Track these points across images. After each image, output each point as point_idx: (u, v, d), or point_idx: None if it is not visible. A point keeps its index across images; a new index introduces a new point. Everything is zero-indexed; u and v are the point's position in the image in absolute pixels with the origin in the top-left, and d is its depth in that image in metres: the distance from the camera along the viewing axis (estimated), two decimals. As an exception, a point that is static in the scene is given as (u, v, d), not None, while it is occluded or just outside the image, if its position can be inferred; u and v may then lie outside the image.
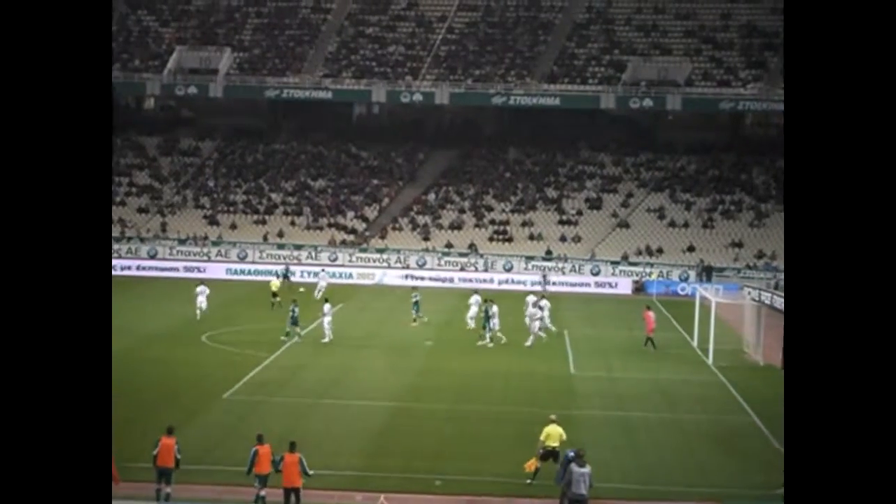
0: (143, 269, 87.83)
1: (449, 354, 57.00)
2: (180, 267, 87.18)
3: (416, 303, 66.47)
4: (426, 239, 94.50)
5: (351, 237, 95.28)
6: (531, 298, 63.63)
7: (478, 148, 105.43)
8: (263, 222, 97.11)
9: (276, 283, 73.61)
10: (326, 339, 58.82)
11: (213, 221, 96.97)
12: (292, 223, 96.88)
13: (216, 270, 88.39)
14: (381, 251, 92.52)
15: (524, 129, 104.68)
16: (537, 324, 60.17)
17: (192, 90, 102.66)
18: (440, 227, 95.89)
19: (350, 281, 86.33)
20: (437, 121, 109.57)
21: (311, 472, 30.66)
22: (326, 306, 60.43)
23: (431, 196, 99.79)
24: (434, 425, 41.79)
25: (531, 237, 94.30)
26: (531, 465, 34.05)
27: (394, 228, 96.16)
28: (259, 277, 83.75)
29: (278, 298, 70.30)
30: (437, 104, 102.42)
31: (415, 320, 65.55)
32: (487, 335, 59.40)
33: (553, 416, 36.07)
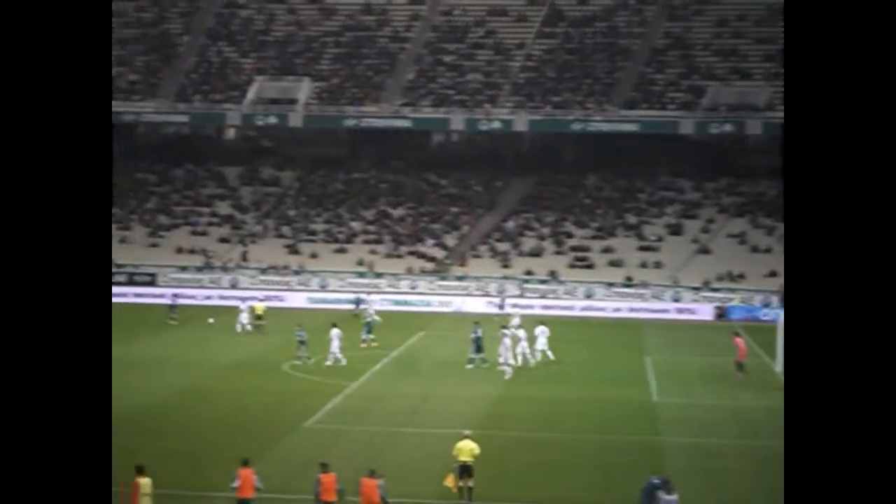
0: (225, 298, 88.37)
1: (527, 382, 56.77)
2: (261, 296, 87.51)
3: (477, 339, 60.81)
4: (506, 266, 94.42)
5: (430, 265, 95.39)
6: (541, 329, 62.64)
7: (557, 174, 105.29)
8: (344, 251, 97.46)
9: (260, 306, 74.79)
10: (330, 363, 59.41)
11: (294, 251, 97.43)
12: (372, 252, 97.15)
13: (297, 299, 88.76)
14: (460, 279, 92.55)
15: (603, 155, 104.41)
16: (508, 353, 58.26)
17: (272, 120, 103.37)
18: (520, 253, 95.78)
19: (429, 309, 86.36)
20: (516, 148, 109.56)
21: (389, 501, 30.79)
22: (334, 331, 60.54)
23: (511, 223, 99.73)
24: (514, 453, 41.69)
25: (611, 263, 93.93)
26: (451, 482, 33.89)
27: (473, 256, 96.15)
28: (340, 306, 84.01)
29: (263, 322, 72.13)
30: (515, 131, 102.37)
31: (471, 361, 60.42)
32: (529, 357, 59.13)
33: (467, 432, 36.14)
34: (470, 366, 59.08)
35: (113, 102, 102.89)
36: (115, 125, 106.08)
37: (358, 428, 45.15)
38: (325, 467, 31.52)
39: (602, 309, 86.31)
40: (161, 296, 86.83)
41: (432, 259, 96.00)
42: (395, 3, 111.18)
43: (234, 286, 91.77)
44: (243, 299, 77.01)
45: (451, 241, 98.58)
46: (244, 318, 72.28)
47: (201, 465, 38.22)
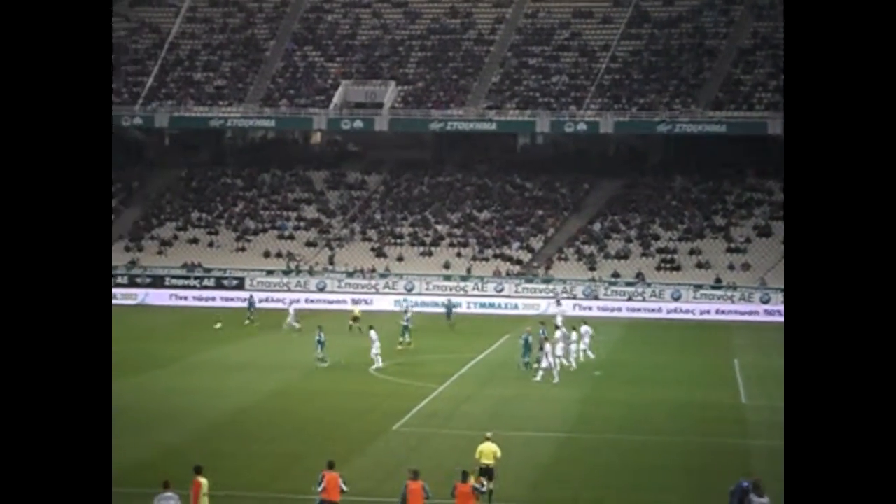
0: (312, 301, 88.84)
1: (614, 385, 56.55)
2: (348, 299, 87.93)
3: (527, 342, 59.65)
4: (592, 269, 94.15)
5: (516, 268, 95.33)
6: (586, 329, 62.46)
7: (643, 176, 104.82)
8: (430, 254, 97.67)
9: (357, 309, 76.96)
10: (376, 366, 59.45)
11: (380, 254, 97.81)
12: (458, 255, 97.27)
13: (384, 302, 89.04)
14: (546, 281, 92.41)
15: (690, 157, 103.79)
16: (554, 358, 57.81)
17: (358, 124, 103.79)
18: (606, 256, 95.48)
19: (515, 312, 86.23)
20: (602, 150, 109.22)
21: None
22: (373, 333, 60.61)
23: (597, 226, 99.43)
24: (601, 456, 41.55)
25: (699, 265, 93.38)
26: (475, 482, 33.68)
27: (559, 259, 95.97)
28: (426, 309, 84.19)
29: (359, 324, 72.12)
30: (601, 133, 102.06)
31: (529, 365, 58.67)
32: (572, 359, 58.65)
33: (488, 434, 35.99)
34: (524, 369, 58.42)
35: (201, 108, 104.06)
36: (203, 130, 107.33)
37: (445, 431, 45.19)
38: (415, 475, 31.54)
39: (689, 311, 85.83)
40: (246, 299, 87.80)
41: (518, 262, 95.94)
42: (480, 6, 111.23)
43: (321, 290, 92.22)
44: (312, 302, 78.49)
45: (536, 243, 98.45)
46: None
47: (292, 468, 38.43)
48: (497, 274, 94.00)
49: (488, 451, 34.91)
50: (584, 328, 62.43)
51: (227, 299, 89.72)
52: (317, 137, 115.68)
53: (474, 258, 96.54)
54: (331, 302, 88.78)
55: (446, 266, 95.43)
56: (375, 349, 60.01)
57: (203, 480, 30.33)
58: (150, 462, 37.46)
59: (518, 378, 57.54)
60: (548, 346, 56.96)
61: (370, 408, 50.10)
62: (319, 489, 31.43)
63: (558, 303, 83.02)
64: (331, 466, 31.87)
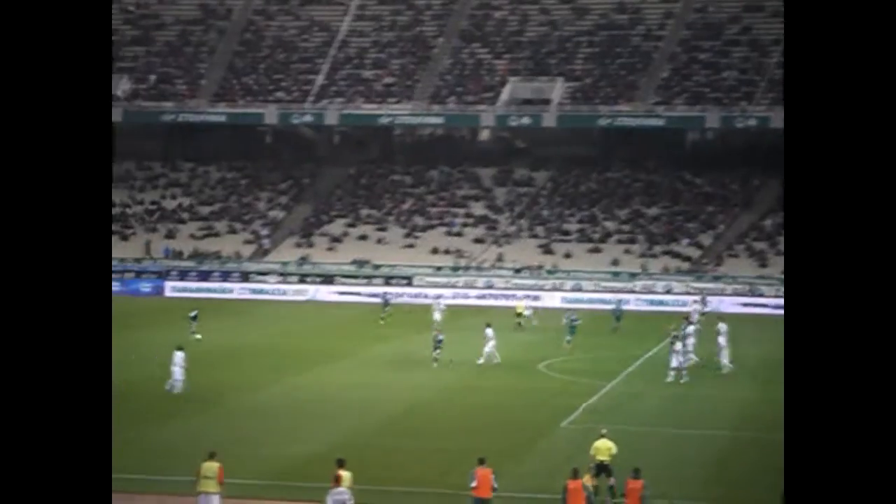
0: (483, 297, 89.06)
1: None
2: (519, 294, 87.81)
3: (678, 338, 57.65)
4: (763, 266, 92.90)
5: (686, 265, 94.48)
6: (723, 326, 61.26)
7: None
8: (598, 251, 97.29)
9: (521, 305, 76.24)
10: (481, 361, 59.26)
11: (547, 250, 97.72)
12: (626, 251, 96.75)
13: (552, 299, 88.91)
14: (717, 278, 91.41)
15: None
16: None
17: (526, 121, 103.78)
18: (778, 253, 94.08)
19: (685, 309, 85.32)
20: (774, 144, 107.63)
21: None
22: (489, 331, 60.12)
23: (768, 222, 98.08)
24: (770, 458, 40.96)
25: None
26: (588, 482, 33.05)
27: (729, 255, 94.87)
28: (593, 306, 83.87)
29: (520, 321, 73.45)
30: (772, 128, 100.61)
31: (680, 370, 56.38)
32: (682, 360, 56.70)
33: (604, 431, 35.75)
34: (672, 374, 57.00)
35: (370, 106, 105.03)
36: (372, 128, 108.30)
37: (613, 428, 44.92)
38: (575, 473, 31.48)
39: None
40: (418, 296, 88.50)
41: (687, 259, 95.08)
42: (648, 1, 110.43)
43: (489, 287, 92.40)
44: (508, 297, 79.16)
45: (706, 240, 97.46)
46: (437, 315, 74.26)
47: (461, 463, 38.56)
48: (666, 271, 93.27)
49: (604, 447, 34.87)
50: (721, 325, 61.53)
51: (395, 296, 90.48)
52: (484, 134, 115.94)
53: (643, 255, 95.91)
54: (497, 298, 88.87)
55: (614, 263, 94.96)
56: (489, 346, 59.69)
57: (345, 473, 30.54)
58: (321, 456, 37.86)
59: (693, 375, 56.91)
60: (678, 345, 56.18)
61: (539, 404, 50.12)
62: (472, 485, 31.39)
63: (703, 301, 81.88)
64: (482, 463, 31.78)
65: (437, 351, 58.85)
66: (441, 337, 59.75)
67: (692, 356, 58.23)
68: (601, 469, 33.97)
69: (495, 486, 31.22)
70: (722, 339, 59.10)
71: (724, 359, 58.42)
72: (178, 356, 50.11)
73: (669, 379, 55.03)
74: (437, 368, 57.76)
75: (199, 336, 62.66)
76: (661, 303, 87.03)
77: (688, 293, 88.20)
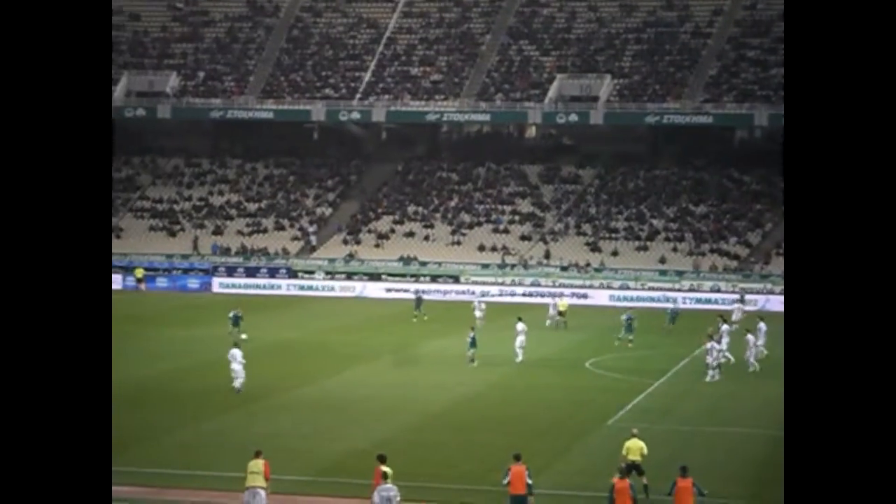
0: (529, 295, 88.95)
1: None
2: (568, 293, 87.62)
3: (713, 337, 57.58)
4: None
5: (734, 263, 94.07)
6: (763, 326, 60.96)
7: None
8: (645, 248, 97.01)
9: (563, 302, 75.83)
10: (520, 359, 59.00)
11: (594, 248, 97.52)
12: (674, 249, 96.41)
13: (599, 297, 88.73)
14: (765, 277, 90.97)
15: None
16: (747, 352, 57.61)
17: (573, 118, 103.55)
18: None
19: (731, 308, 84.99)
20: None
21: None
22: (519, 325, 59.96)
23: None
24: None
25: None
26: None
27: (777, 254, 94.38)
28: (641, 304, 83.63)
29: (565, 318, 73.65)
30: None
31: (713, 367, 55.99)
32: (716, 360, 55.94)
33: (635, 430, 35.61)
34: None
35: (417, 102, 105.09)
36: (419, 125, 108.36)
37: (659, 427, 44.79)
38: (622, 472, 31.37)
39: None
40: (465, 293, 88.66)
41: (735, 257, 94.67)
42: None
43: (535, 284, 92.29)
44: (553, 296, 78.71)
45: (754, 238, 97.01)
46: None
47: (508, 460, 38.54)
48: (714, 269, 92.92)
49: (635, 447, 34.81)
50: (760, 325, 61.25)
51: (444, 292, 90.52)
52: (531, 131, 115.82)
53: (690, 253, 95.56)
54: (543, 296, 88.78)
55: (661, 261, 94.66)
56: (519, 342, 59.52)
57: (385, 469, 30.55)
58: (366, 452, 37.88)
59: (732, 374, 56.69)
60: (710, 344, 55.78)
61: (585, 402, 50.02)
62: (505, 482, 31.33)
63: (742, 300, 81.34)
64: (517, 459, 31.70)
65: (472, 350, 58.37)
66: (473, 335, 58.91)
67: (727, 355, 58.01)
68: (632, 468, 33.88)
69: (530, 482, 31.13)
70: (751, 338, 58.60)
71: (752, 357, 58.01)
72: (236, 353, 50.21)
73: (707, 378, 54.73)
74: (475, 367, 57.51)
75: (245, 336, 63.02)
76: (708, 301, 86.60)
77: (734, 292, 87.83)
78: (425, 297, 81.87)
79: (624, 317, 67.68)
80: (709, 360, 55.18)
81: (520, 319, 60.71)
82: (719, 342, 57.47)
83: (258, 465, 31.33)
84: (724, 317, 65.33)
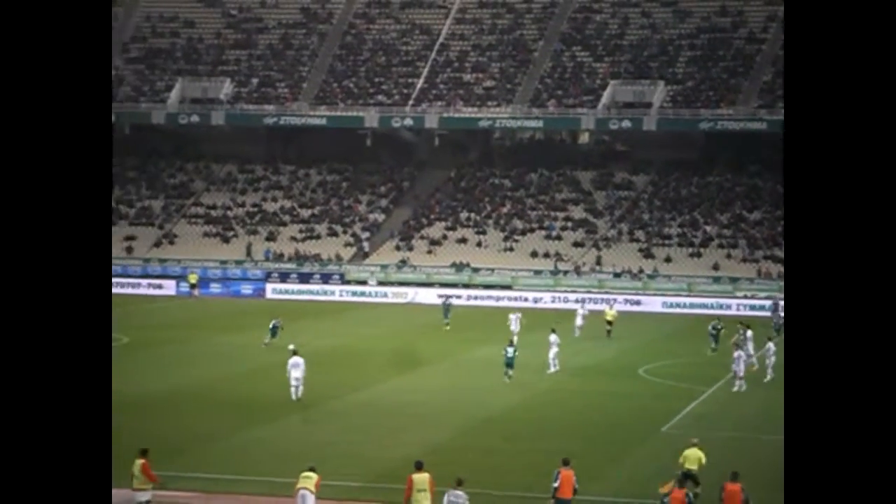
0: (581, 301, 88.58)
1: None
2: (620, 299, 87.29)
3: (738, 345, 57.22)
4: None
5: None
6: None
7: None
8: (698, 255, 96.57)
9: (610, 312, 73.74)
10: (552, 370, 57.95)
11: (647, 255, 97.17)
12: (728, 256, 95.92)
13: (652, 304, 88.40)
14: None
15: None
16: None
17: (626, 124, 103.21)
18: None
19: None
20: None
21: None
22: (552, 337, 59.12)
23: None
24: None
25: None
26: (666, 487, 32.37)
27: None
28: (695, 311, 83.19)
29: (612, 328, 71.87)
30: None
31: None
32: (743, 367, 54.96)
33: (694, 440, 35.31)
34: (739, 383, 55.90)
35: (470, 109, 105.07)
36: (472, 131, 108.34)
37: (713, 434, 44.51)
38: (679, 482, 31.16)
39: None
40: (517, 299, 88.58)
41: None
42: (751, 4, 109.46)
43: (588, 291, 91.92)
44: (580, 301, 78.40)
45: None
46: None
47: (557, 466, 38.41)
48: (767, 276, 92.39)
49: (693, 456, 34.56)
50: (747, 332, 60.73)
51: (496, 299, 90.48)
52: (584, 137, 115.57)
53: (744, 259, 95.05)
54: (596, 303, 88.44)
55: (715, 267, 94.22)
56: (552, 353, 58.72)
57: (420, 476, 30.45)
58: (418, 459, 37.82)
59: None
60: (737, 353, 55.11)
61: (639, 409, 49.77)
62: (555, 486, 31.30)
63: (776, 307, 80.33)
64: (566, 464, 31.68)
65: (510, 371, 55.71)
66: (508, 349, 56.19)
67: (753, 361, 57.61)
68: (687, 477, 33.65)
69: (576, 487, 31.19)
70: (772, 345, 58.01)
71: (769, 367, 57.18)
72: (299, 361, 49.56)
73: (735, 389, 54.01)
74: (510, 382, 55.12)
75: (266, 341, 63.28)
76: (762, 308, 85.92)
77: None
78: (455, 302, 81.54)
79: (710, 326, 67.13)
80: (735, 369, 54.48)
81: (553, 331, 60.00)
82: (744, 349, 57.08)
83: (311, 476, 31.32)
84: (747, 324, 64.32)
